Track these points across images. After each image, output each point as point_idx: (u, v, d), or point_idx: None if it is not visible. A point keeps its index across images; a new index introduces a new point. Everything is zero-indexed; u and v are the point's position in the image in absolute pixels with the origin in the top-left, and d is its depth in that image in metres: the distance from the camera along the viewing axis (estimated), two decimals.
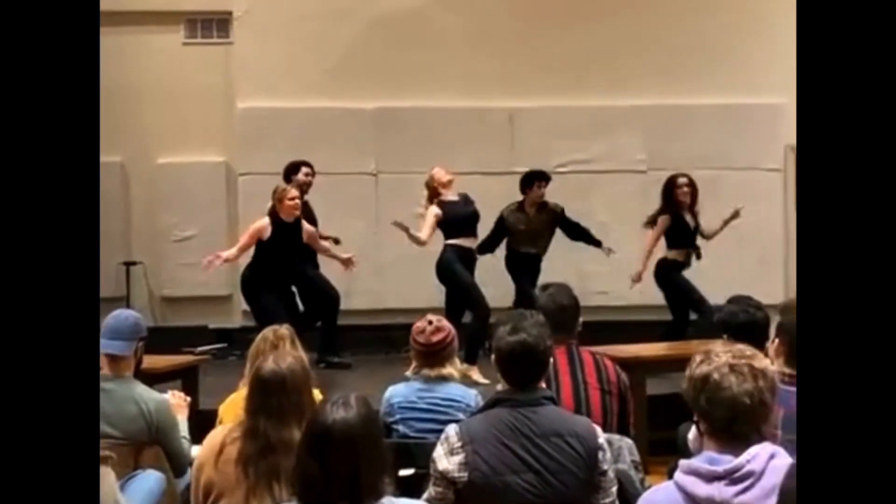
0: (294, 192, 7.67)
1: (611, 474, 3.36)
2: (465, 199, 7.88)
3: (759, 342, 3.96)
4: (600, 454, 3.28)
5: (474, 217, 7.84)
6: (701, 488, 2.32)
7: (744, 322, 4.07)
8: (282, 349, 4.09)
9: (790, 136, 9.78)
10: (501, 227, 8.51)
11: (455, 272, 7.72)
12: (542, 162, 8.86)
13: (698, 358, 2.51)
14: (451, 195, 7.79)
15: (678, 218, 8.19)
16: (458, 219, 7.74)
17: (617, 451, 3.80)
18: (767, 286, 8.61)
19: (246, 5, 9.94)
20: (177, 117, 9.90)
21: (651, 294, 8.52)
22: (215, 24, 10.15)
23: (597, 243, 8.60)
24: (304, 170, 8.37)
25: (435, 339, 4.30)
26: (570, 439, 3.23)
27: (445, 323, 4.41)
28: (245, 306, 9.69)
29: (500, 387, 3.47)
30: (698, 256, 8.24)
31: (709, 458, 2.38)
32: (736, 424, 2.39)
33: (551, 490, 3.17)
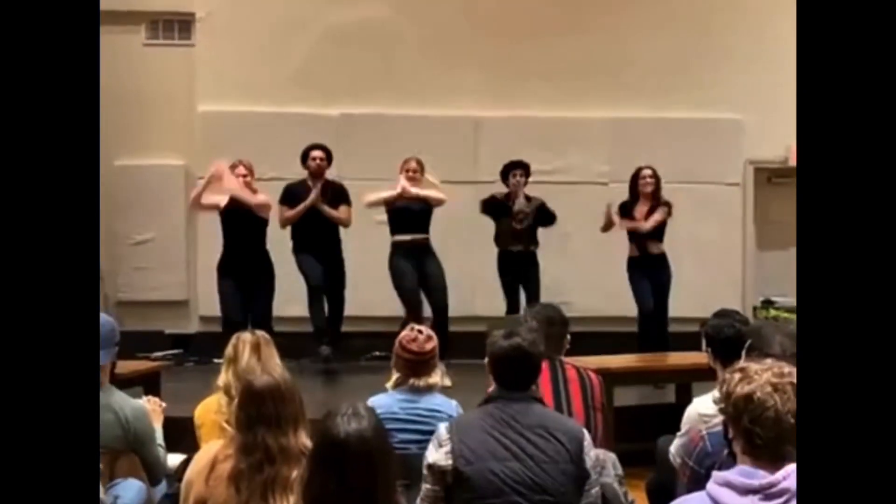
0: (241, 170, 7.90)
1: (593, 479, 3.38)
2: (421, 197, 7.97)
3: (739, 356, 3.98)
4: (586, 454, 3.31)
5: (419, 213, 7.91)
6: (734, 500, 2.31)
7: (729, 336, 4.07)
8: (265, 358, 4.05)
9: (750, 151, 9.97)
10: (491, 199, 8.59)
11: (393, 274, 7.78)
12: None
13: (736, 376, 2.49)
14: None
15: (628, 214, 8.29)
16: (401, 210, 7.77)
17: (602, 465, 3.81)
18: (725, 300, 8.67)
19: (209, 7, 9.84)
20: (136, 119, 9.75)
21: (616, 305, 8.56)
22: (177, 26, 10.03)
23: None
24: (313, 154, 8.32)
25: (429, 346, 4.27)
26: (556, 433, 3.30)
27: (430, 331, 4.38)
28: (203, 311, 9.61)
29: (490, 389, 3.50)
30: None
31: (743, 472, 2.38)
32: (780, 444, 2.38)
33: (536, 479, 3.21)
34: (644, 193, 8.27)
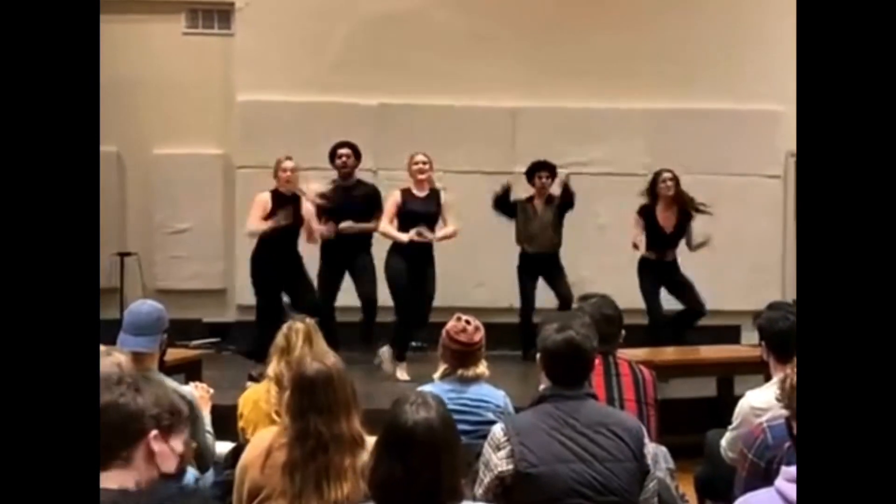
0: (288, 164, 7.70)
1: (656, 475, 3.35)
2: (431, 196, 7.79)
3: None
4: (646, 449, 3.28)
5: (429, 216, 7.73)
6: None
7: (783, 329, 4.02)
8: (318, 347, 4.05)
9: (790, 143, 9.82)
10: (513, 205, 8.56)
11: (389, 274, 7.74)
12: None
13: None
14: (420, 189, 7.79)
15: (651, 218, 8.22)
16: (410, 213, 7.69)
17: (654, 458, 3.78)
18: (764, 293, 8.61)
19: None
20: (175, 108, 9.78)
21: None
22: (216, 16, 10.04)
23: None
24: (340, 151, 8.24)
25: (477, 337, 4.26)
26: (614, 428, 3.24)
27: (478, 321, 4.36)
28: (240, 300, 9.63)
29: (542, 386, 3.46)
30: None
31: None
32: None
33: (601, 478, 3.16)
34: (665, 197, 8.22)
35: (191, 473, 3.88)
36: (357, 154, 8.30)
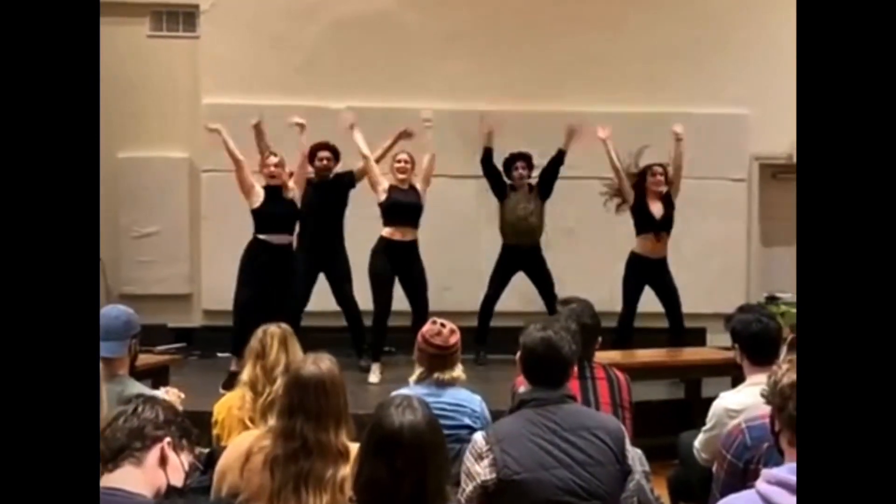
0: (272, 160, 7.72)
1: (635, 476, 3.36)
2: (413, 189, 7.93)
3: (770, 352, 3.97)
4: (627, 450, 3.28)
5: (411, 207, 7.81)
6: (786, 500, 2.26)
7: (757, 332, 4.05)
8: (293, 352, 4.01)
9: (755, 146, 9.95)
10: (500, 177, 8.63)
11: (371, 273, 7.77)
12: None
13: (784, 366, 2.47)
14: (401, 184, 7.93)
15: (643, 204, 8.24)
16: (394, 204, 7.75)
17: (630, 458, 3.79)
18: (729, 296, 8.69)
19: None
20: (140, 111, 9.72)
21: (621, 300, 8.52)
22: (181, 18, 9.98)
23: (561, 155, 8.67)
24: (321, 153, 8.29)
25: (453, 340, 4.25)
26: (598, 432, 3.25)
27: (453, 325, 4.35)
28: (206, 305, 9.56)
29: (521, 389, 3.46)
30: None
31: (795, 469, 2.33)
32: None
33: (585, 484, 3.16)
34: (654, 192, 8.23)
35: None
36: (337, 156, 8.39)
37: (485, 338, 8.48)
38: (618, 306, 8.48)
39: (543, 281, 8.46)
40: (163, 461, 2.41)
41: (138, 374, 6.05)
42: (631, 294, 8.28)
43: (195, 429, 2.56)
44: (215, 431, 4.28)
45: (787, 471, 2.34)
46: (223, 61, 9.67)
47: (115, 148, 9.77)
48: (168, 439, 2.44)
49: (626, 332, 8.10)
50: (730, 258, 9.94)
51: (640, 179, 8.36)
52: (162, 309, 9.73)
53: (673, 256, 8.46)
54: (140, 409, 2.45)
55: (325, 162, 8.27)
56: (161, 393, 4.42)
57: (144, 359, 6.62)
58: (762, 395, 2.59)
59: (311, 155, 8.26)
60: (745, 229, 10.08)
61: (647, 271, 8.24)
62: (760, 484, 2.35)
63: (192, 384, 6.74)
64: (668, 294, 8.22)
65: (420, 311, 7.58)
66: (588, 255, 9.46)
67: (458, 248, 9.24)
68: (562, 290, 8.76)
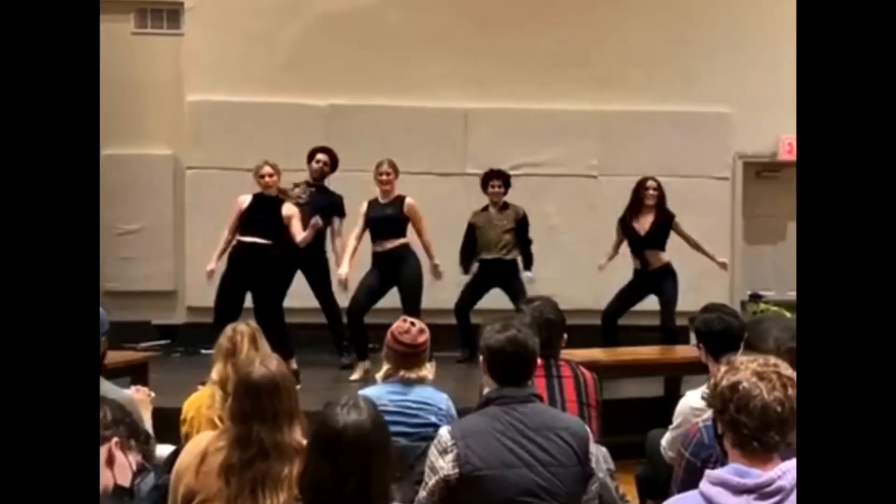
0: (267, 170, 7.61)
1: (597, 477, 3.37)
2: (394, 202, 7.78)
3: (733, 350, 3.98)
4: (591, 452, 3.29)
5: (388, 220, 7.73)
6: (728, 500, 2.28)
7: (719, 330, 4.07)
8: (262, 350, 4.01)
9: (738, 144, 9.97)
10: (470, 230, 8.57)
11: (358, 284, 7.78)
12: (495, 164, 8.84)
13: (723, 369, 2.48)
14: (384, 196, 7.80)
15: (626, 225, 8.26)
16: (372, 220, 7.74)
17: (594, 459, 3.81)
18: (712, 294, 8.66)
19: None
20: (124, 108, 9.67)
21: (603, 298, 8.55)
22: (166, 15, 9.98)
23: (526, 264, 8.60)
24: (319, 156, 8.30)
25: (421, 339, 4.25)
26: (562, 433, 3.25)
27: (423, 324, 4.36)
28: (190, 302, 9.56)
29: (486, 389, 3.47)
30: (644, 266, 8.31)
31: (738, 471, 2.33)
32: (766, 433, 2.35)
33: (546, 484, 3.17)
34: (647, 206, 8.25)
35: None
36: (334, 163, 8.40)
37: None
38: (599, 304, 8.51)
39: (516, 296, 8.43)
40: (110, 461, 2.41)
41: (117, 371, 6.14)
42: (618, 298, 8.31)
43: (144, 429, 2.53)
44: (184, 429, 4.26)
45: (730, 472, 2.35)
46: (207, 58, 9.67)
47: (100, 145, 9.75)
48: (116, 439, 2.44)
49: (609, 327, 8.12)
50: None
51: (635, 194, 8.33)
52: (146, 306, 9.77)
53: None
54: None
55: (321, 165, 8.29)
56: (131, 391, 4.44)
57: (124, 355, 6.66)
58: (702, 398, 2.61)
59: (310, 156, 8.30)
60: (728, 228, 10.09)
61: (649, 281, 8.27)
62: (704, 485, 2.36)
63: (173, 381, 6.74)
64: (664, 299, 8.26)
65: (408, 311, 7.57)
66: (570, 252, 9.46)
67: (443, 246, 9.22)
68: (545, 289, 8.78)
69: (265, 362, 3.10)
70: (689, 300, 8.99)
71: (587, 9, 9.92)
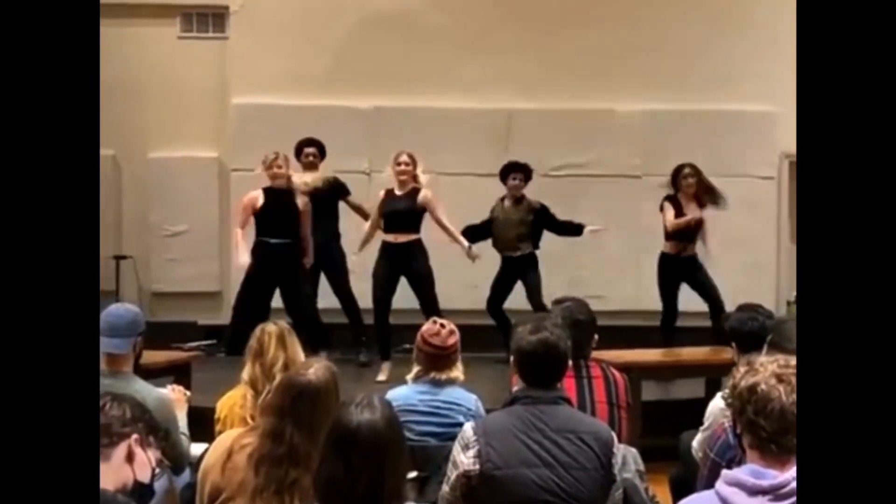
0: (279, 160, 7.79)
1: (619, 482, 3.36)
2: (411, 194, 7.71)
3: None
4: (614, 458, 3.28)
5: (402, 213, 7.68)
6: (743, 501, 2.26)
7: (752, 330, 4.04)
8: (291, 350, 4.05)
9: (784, 144, 9.83)
10: (488, 220, 8.53)
11: (373, 270, 7.77)
12: (536, 165, 8.77)
13: (742, 369, 2.45)
14: (401, 188, 7.76)
15: (678, 207, 8.16)
16: (386, 214, 7.72)
17: (622, 459, 3.79)
18: (759, 294, 8.58)
19: (242, 0, 9.89)
20: (170, 111, 9.84)
21: (646, 299, 8.51)
22: (211, 19, 10.10)
23: (577, 229, 8.45)
24: (307, 150, 8.41)
25: (451, 341, 4.28)
26: (585, 437, 3.24)
27: (453, 325, 4.37)
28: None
29: (515, 388, 3.47)
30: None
31: (753, 472, 2.31)
32: (784, 437, 2.33)
33: (565, 485, 3.16)
34: (686, 193, 8.16)
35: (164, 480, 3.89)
36: (322, 152, 8.50)
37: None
38: (641, 304, 8.47)
39: (532, 296, 8.35)
40: (129, 458, 2.45)
41: (161, 370, 6.24)
42: (666, 293, 8.22)
43: (164, 426, 2.56)
44: (217, 428, 4.32)
45: (746, 472, 2.34)
46: (252, 62, 9.77)
47: (146, 148, 9.94)
48: (135, 436, 2.47)
49: (666, 330, 8.06)
50: (760, 256, 9.84)
51: (674, 180, 8.23)
52: (192, 306, 9.88)
53: (701, 255, 8.38)
54: (108, 406, 2.49)
55: (310, 158, 8.39)
56: (167, 390, 4.51)
57: (167, 355, 6.76)
58: (723, 399, 2.59)
59: (298, 151, 8.40)
60: (774, 227, 9.97)
61: (677, 269, 8.18)
62: (720, 484, 2.35)
63: (215, 381, 6.81)
64: (705, 291, 8.15)
65: (426, 307, 7.56)
66: (616, 253, 9.42)
67: (485, 246, 9.23)
68: (590, 290, 8.75)
69: (318, 371, 3.10)
70: (735, 300, 8.89)
71: (630, 9, 9.86)
